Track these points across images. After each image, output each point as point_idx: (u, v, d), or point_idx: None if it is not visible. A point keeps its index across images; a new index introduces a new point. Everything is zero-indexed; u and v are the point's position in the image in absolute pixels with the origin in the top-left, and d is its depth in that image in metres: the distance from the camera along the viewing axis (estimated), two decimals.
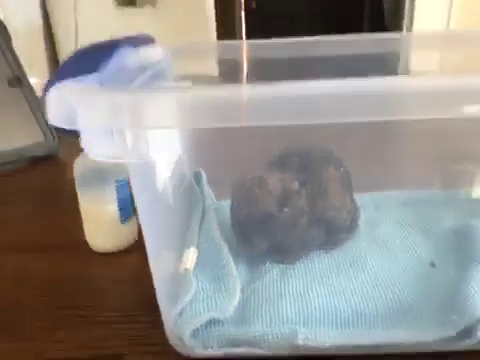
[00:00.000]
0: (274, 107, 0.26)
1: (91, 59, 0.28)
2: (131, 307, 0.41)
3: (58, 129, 0.37)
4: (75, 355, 0.37)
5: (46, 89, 0.27)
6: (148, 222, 0.33)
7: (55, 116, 0.26)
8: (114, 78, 0.29)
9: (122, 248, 0.49)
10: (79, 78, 0.26)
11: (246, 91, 0.27)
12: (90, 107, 0.25)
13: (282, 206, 0.40)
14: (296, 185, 0.41)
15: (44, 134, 0.71)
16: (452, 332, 0.33)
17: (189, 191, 0.50)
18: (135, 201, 0.33)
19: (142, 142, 0.31)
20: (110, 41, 0.43)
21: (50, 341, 0.38)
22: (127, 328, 0.39)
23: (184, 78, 0.41)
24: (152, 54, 0.36)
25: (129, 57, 0.32)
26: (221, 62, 0.49)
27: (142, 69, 0.32)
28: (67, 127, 0.26)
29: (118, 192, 0.46)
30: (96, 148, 0.27)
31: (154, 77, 0.34)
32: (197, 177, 0.52)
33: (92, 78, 0.27)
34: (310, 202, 0.41)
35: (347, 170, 0.44)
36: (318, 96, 0.26)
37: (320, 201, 0.41)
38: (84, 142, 0.26)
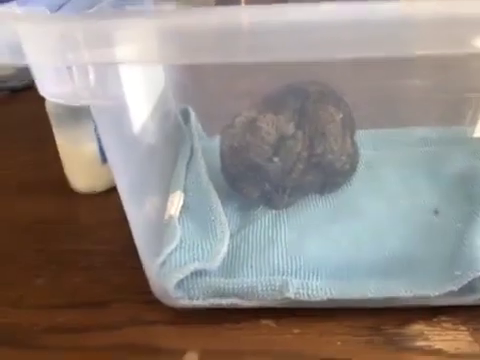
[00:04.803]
0: (282, 37, 0.21)
1: None
2: (116, 252, 0.39)
3: None
4: (56, 302, 0.35)
5: None
6: (120, 170, 0.30)
7: None
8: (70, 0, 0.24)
9: (105, 189, 0.46)
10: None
11: (246, 16, 0.22)
12: (39, 39, 0.21)
13: (276, 153, 0.37)
14: (292, 128, 0.37)
15: None
16: (454, 287, 0.31)
17: (175, 130, 0.46)
18: (103, 147, 0.29)
19: (110, 78, 0.26)
20: None
21: (30, 287, 0.36)
22: (112, 274, 0.37)
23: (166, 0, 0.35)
24: None
25: None
26: None
27: None
28: (14, 63, 0.21)
29: (97, 130, 0.42)
30: (50, 86, 0.22)
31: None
32: (184, 114, 0.48)
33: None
34: (307, 146, 0.37)
35: (349, 109, 0.40)
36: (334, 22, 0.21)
37: (318, 145, 0.37)
38: (36, 78, 0.22)
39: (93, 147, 0.43)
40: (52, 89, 0.22)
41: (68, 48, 0.21)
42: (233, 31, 0.22)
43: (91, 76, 0.23)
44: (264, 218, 0.39)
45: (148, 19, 0.22)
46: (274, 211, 0.39)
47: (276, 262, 0.34)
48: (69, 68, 0.22)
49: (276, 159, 0.37)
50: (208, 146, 0.45)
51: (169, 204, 0.38)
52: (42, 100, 0.45)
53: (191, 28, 0.22)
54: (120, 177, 0.30)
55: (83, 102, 0.23)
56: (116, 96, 0.26)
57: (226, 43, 0.22)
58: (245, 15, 0.22)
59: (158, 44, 0.22)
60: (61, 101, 0.22)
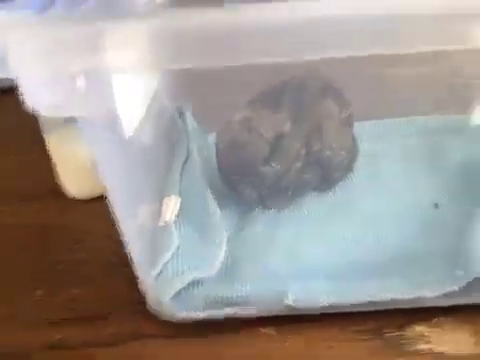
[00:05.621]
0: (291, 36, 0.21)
1: None
2: (115, 261, 0.38)
3: None
4: (55, 316, 0.34)
5: None
6: (111, 180, 0.29)
7: None
8: None
9: (100, 194, 0.45)
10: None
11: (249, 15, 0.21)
12: (26, 49, 0.19)
13: (273, 152, 0.36)
14: (289, 125, 0.36)
15: None
16: (455, 288, 0.30)
17: (171, 128, 0.44)
18: (94, 159, 0.28)
19: (102, 86, 0.25)
20: None
21: (29, 301, 0.36)
22: (111, 285, 0.36)
23: None
24: None
25: None
26: None
27: None
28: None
29: None
30: (37, 96, 0.21)
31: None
32: (180, 111, 0.46)
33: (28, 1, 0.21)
34: (305, 144, 0.36)
35: (348, 101, 0.39)
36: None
37: (316, 142, 0.36)
38: (21, 87, 0.21)
39: (86, 149, 0.41)
40: (41, 99, 0.21)
41: (58, 59, 0.20)
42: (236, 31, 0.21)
43: (81, 85, 0.21)
44: (261, 219, 0.38)
45: (138, 22, 0.21)
46: (271, 211, 0.39)
47: (274, 266, 0.34)
48: (59, 77, 0.21)
49: (273, 158, 0.36)
50: (206, 143, 0.44)
51: (164, 208, 0.37)
52: None
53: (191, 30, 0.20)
54: (111, 186, 0.29)
55: (74, 113, 0.22)
56: (109, 104, 0.25)
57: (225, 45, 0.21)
58: (244, 14, 0.21)
59: (155, 49, 0.21)
60: (50, 113, 0.21)
